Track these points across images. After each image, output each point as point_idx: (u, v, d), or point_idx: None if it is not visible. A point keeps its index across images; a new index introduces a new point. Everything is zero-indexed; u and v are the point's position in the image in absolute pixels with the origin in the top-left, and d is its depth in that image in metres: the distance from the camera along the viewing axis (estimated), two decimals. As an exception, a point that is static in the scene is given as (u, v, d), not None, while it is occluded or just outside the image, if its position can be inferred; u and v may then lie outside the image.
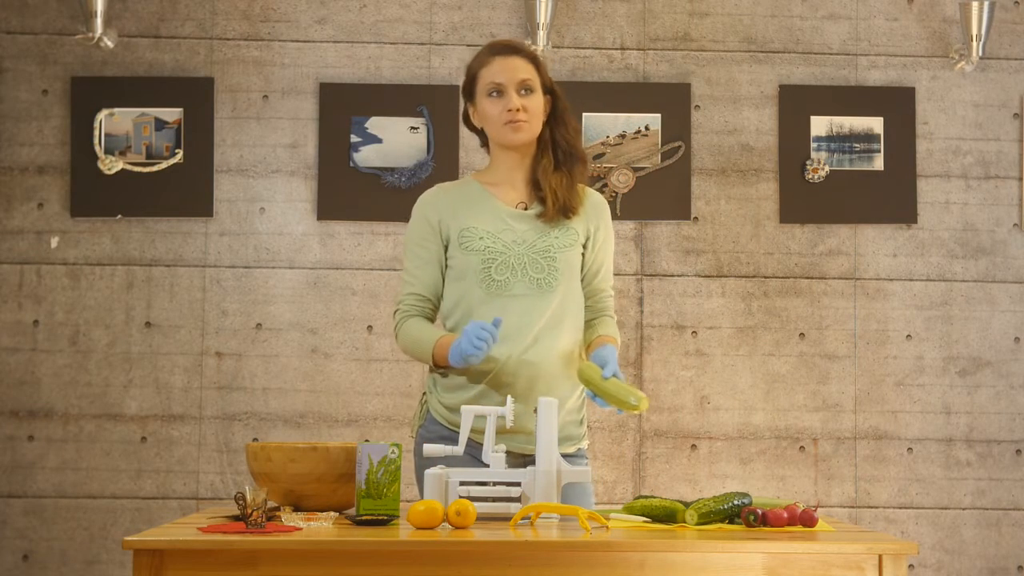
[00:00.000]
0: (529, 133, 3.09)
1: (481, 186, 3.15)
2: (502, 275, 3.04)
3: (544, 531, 2.59)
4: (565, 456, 3.04)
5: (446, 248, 3.11)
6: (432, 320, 3.14)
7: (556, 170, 3.11)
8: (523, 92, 3.08)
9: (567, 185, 3.10)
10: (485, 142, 3.20)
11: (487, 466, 2.84)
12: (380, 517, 2.64)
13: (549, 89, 3.14)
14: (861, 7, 4.87)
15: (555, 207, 3.08)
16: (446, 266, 3.12)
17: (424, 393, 3.17)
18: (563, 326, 3.06)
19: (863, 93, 4.84)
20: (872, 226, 4.82)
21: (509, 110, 3.05)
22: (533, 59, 3.12)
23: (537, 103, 3.10)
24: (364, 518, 2.63)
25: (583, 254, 3.14)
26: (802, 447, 4.77)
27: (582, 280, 3.16)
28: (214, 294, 4.74)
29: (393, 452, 2.71)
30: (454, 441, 3.01)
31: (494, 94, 3.08)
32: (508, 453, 3.01)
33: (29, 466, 4.68)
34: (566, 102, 3.17)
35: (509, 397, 2.88)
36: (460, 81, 4.73)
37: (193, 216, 4.74)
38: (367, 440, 4.62)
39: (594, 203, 3.18)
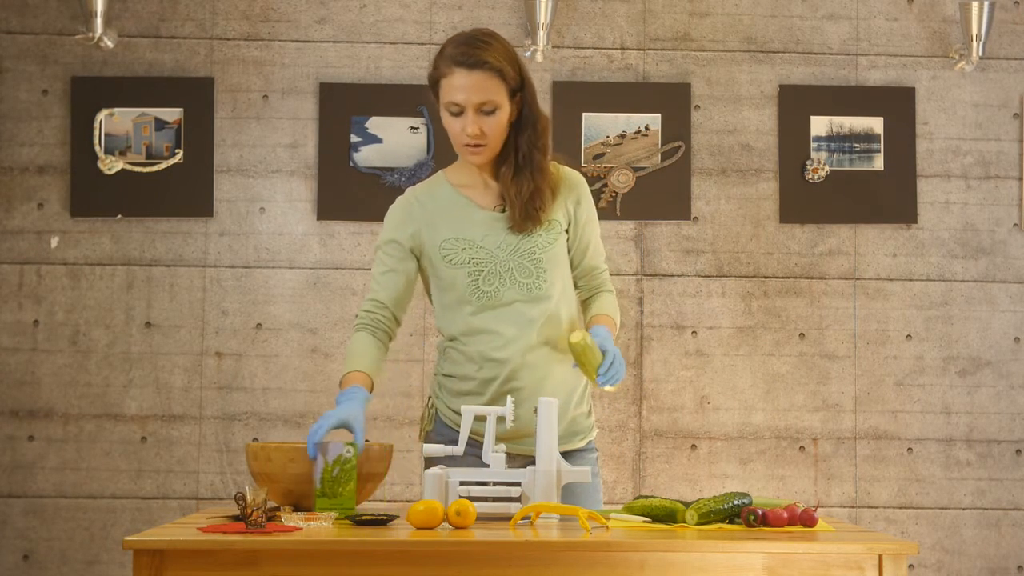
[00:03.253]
0: (488, 155, 2.98)
1: (454, 189, 3.05)
2: (491, 285, 2.99)
3: (544, 531, 2.59)
4: (575, 451, 3.04)
5: (419, 259, 3.04)
6: (388, 329, 3.04)
7: (516, 176, 2.99)
8: (484, 112, 2.93)
9: (528, 190, 2.98)
10: None
11: (488, 466, 2.84)
12: (380, 517, 2.64)
13: (519, 88, 2.97)
14: (861, 7, 4.87)
15: (519, 215, 2.98)
16: (418, 274, 3.06)
17: (430, 397, 3.15)
18: (561, 323, 3.03)
19: (863, 93, 4.84)
20: (872, 226, 4.83)
21: (467, 134, 2.92)
22: (499, 71, 2.90)
23: (498, 122, 2.94)
24: (364, 518, 2.64)
25: (567, 237, 3.07)
26: (802, 447, 4.77)
27: (571, 261, 3.08)
28: (214, 294, 4.74)
29: (348, 451, 2.72)
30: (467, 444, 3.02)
31: (453, 111, 2.94)
32: (514, 456, 3.02)
33: (29, 466, 4.68)
34: (535, 100, 3.00)
35: (509, 397, 2.88)
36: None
37: (193, 216, 4.74)
38: (357, 442, 4.62)
39: (569, 182, 3.07)
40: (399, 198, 3.10)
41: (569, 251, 3.09)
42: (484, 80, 2.90)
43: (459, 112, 2.93)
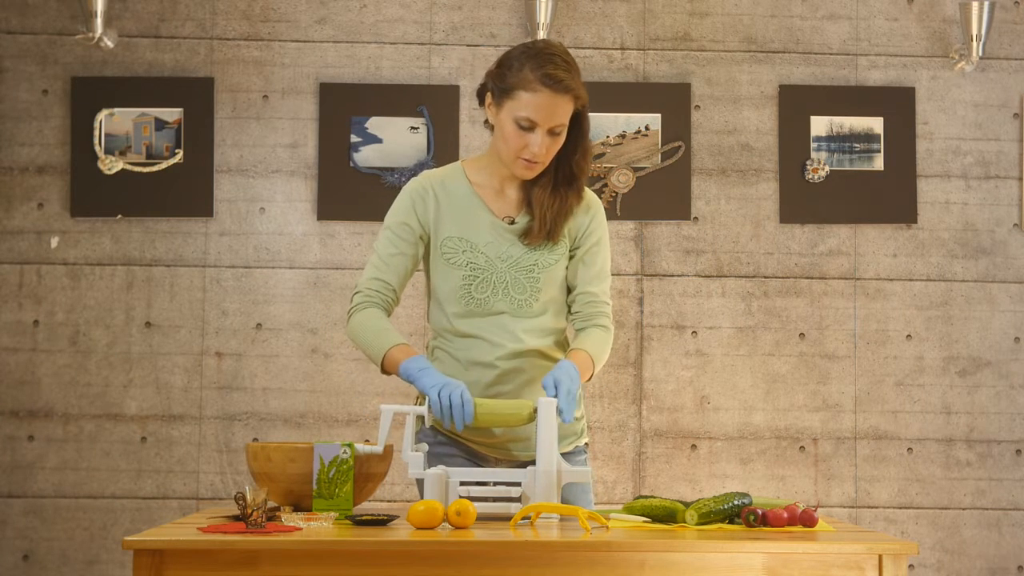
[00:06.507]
0: (539, 171, 2.97)
1: (471, 188, 3.02)
2: (482, 293, 2.97)
3: (544, 531, 2.59)
4: (563, 454, 3.02)
5: (427, 246, 3.02)
6: (390, 310, 3.02)
7: (553, 191, 2.98)
8: (553, 133, 2.91)
9: (558, 209, 2.97)
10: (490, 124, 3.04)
11: (483, 466, 2.83)
12: (380, 517, 2.64)
13: (577, 112, 2.96)
14: (861, 7, 4.87)
15: (542, 231, 2.96)
16: (422, 265, 3.05)
17: (417, 398, 3.13)
18: (548, 334, 3.01)
19: (863, 93, 4.84)
20: (872, 226, 4.83)
21: (534, 152, 2.90)
22: (578, 98, 2.91)
23: (560, 143, 2.94)
24: (364, 518, 2.64)
25: (571, 256, 3.03)
26: (802, 447, 4.77)
27: (569, 282, 3.04)
28: (214, 294, 4.74)
29: (345, 452, 2.71)
30: (451, 446, 3.02)
31: (524, 125, 2.90)
32: (501, 461, 3.01)
33: (29, 466, 4.68)
34: (588, 125, 2.99)
35: (428, 398, 2.83)
36: (460, 81, 4.76)
37: (193, 216, 4.74)
38: (367, 440, 4.62)
39: (585, 203, 3.05)
40: (414, 180, 3.06)
41: (569, 271, 3.04)
42: (565, 104, 2.90)
43: (530, 128, 2.90)
